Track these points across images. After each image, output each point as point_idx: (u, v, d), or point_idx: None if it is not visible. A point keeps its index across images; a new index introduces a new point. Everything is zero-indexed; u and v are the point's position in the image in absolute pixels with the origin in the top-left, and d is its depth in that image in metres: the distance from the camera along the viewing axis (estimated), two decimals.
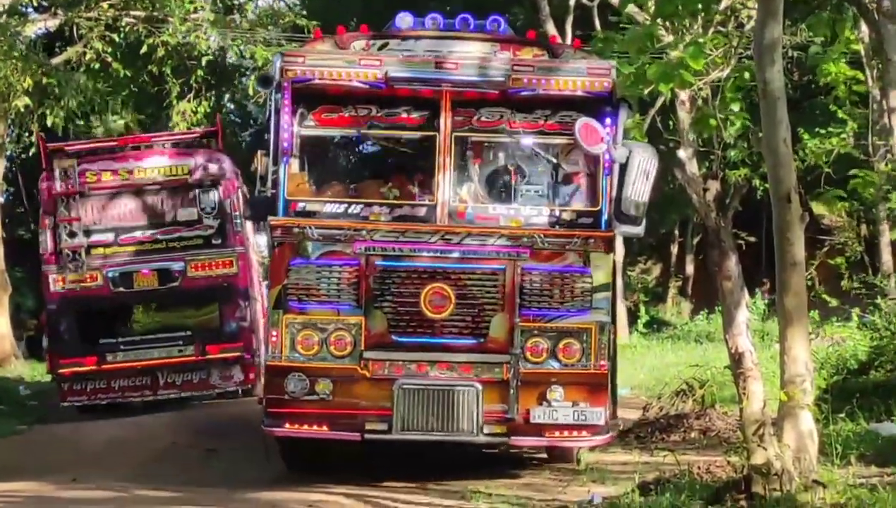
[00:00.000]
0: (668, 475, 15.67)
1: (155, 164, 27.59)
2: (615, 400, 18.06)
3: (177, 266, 27.36)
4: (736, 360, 14.95)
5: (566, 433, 16.76)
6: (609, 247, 17.11)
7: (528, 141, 17.56)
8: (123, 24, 37.19)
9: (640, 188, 16.75)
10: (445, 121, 17.20)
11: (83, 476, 18.71)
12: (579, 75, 17.21)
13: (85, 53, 37.98)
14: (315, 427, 16.74)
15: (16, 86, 31.05)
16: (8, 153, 41.14)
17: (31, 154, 36.44)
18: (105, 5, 36.88)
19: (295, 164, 17.39)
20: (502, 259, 16.88)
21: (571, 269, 16.95)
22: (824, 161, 28.33)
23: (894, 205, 25.13)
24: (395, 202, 17.36)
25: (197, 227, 27.07)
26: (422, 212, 17.23)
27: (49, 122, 31.36)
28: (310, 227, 16.88)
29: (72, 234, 27.18)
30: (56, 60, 36.88)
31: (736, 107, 22.03)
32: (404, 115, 17.42)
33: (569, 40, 38.89)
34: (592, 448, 18.75)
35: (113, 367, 27.64)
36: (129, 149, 28.01)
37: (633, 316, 41.56)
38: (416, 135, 17.57)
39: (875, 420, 18.80)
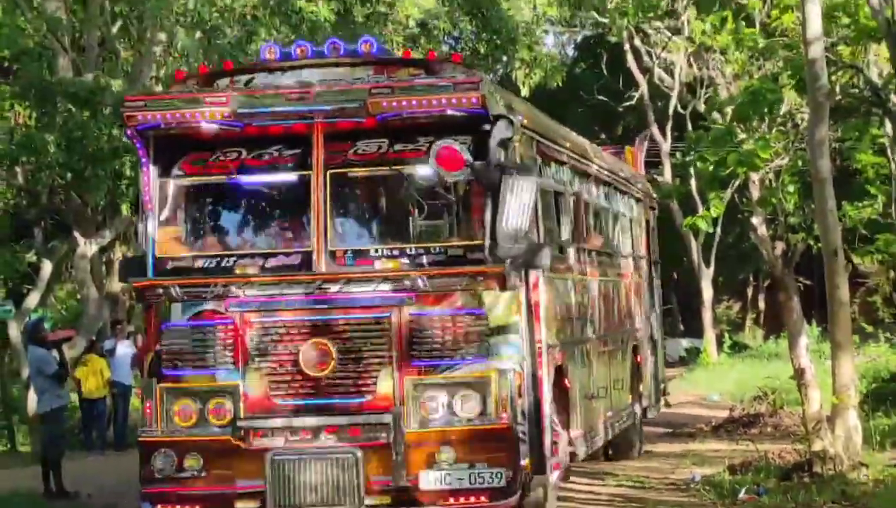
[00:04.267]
0: (750, 459, 15.56)
1: None
2: (547, 454, 12.07)
3: None
4: (799, 374, 14.87)
5: (462, 499, 11.31)
6: (504, 283, 11.32)
7: (409, 172, 11.85)
8: None
9: (515, 215, 11.17)
10: (318, 157, 11.72)
11: None
12: (444, 92, 11.57)
13: None
14: None
15: None
16: None
17: None
18: None
19: (167, 220, 12.20)
20: (385, 306, 11.40)
21: (463, 312, 11.41)
22: (861, 224, 28.12)
23: None
24: (269, 251, 12.04)
25: None
26: (297, 260, 11.81)
27: None
28: (174, 287, 11.76)
29: None
30: None
31: (791, 188, 22.01)
32: (275, 155, 12.03)
33: (667, 145, 38.40)
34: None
35: None
36: None
37: (720, 342, 41.11)
38: (290, 176, 12.08)
39: None
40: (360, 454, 11.11)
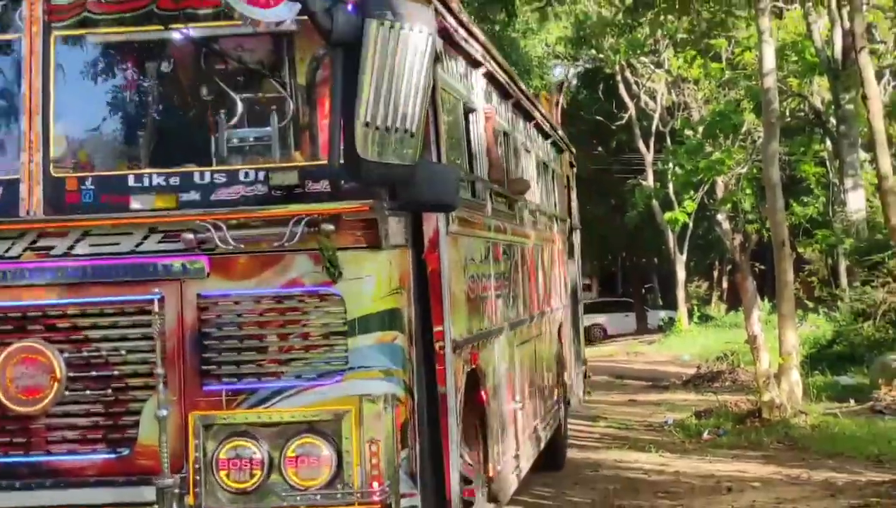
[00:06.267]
0: (712, 407, 15.44)
1: None
2: None
3: None
4: (752, 339, 14.82)
5: None
6: (375, 235, 4.71)
7: (202, 35, 4.93)
8: None
9: (392, 101, 4.31)
10: (32, 8, 4.77)
11: None
12: None
13: None
14: None
15: None
16: None
17: None
18: None
19: None
20: (154, 280, 4.70)
21: (299, 291, 4.72)
22: (805, 221, 28.20)
23: (846, 247, 24.77)
24: None
25: None
26: None
27: None
28: None
29: None
30: None
31: (749, 191, 22.07)
32: None
33: (650, 156, 38.06)
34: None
35: None
36: None
37: (691, 314, 41.02)
38: None
39: (836, 374, 18.45)
40: None
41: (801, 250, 28.58)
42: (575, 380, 12.55)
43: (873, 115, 11.76)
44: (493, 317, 6.97)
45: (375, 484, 4.73)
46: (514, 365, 7.69)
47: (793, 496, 9.54)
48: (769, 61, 15.24)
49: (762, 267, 41.91)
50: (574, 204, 13.78)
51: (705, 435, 13.50)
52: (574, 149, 14.19)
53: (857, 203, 23.98)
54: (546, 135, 10.99)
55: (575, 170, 14.35)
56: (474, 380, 6.15)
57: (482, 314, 6.64)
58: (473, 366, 6.05)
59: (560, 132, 12.58)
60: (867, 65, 11.99)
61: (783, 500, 9.36)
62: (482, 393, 6.33)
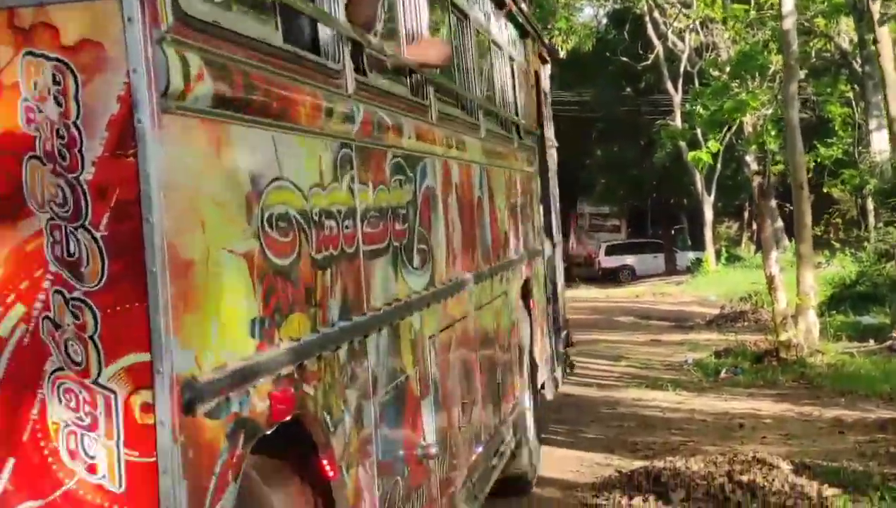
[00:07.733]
0: (732, 346, 15.66)
1: None
2: None
3: None
4: (769, 280, 15.04)
5: None
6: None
7: None
8: None
9: None
10: None
11: None
12: None
13: None
14: None
15: None
16: None
17: None
18: None
19: None
20: None
21: None
22: (830, 162, 28.27)
23: (871, 188, 24.77)
24: None
25: None
26: None
27: None
28: None
29: None
30: None
31: (774, 132, 22.10)
32: None
33: (678, 98, 37.95)
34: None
35: None
36: None
37: (719, 255, 41.11)
38: None
39: (859, 314, 18.63)
40: None
41: (827, 190, 28.65)
42: (554, 359, 9.31)
43: (883, 58, 11.88)
44: (359, 299, 3.59)
45: None
46: (427, 371, 4.48)
47: (802, 432, 9.80)
48: (788, 3, 15.30)
49: (790, 207, 42.03)
50: (548, 112, 10.30)
51: (723, 374, 13.71)
52: (546, 41, 10.72)
53: (881, 144, 24.00)
54: (499, 3, 7.58)
55: (549, 68, 10.77)
56: (304, 444, 3.18)
57: (323, 298, 3.24)
58: (291, 415, 2.91)
59: (525, 9, 8.87)
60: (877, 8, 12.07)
61: (792, 436, 9.63)
62: (323, 462, 3.24)
